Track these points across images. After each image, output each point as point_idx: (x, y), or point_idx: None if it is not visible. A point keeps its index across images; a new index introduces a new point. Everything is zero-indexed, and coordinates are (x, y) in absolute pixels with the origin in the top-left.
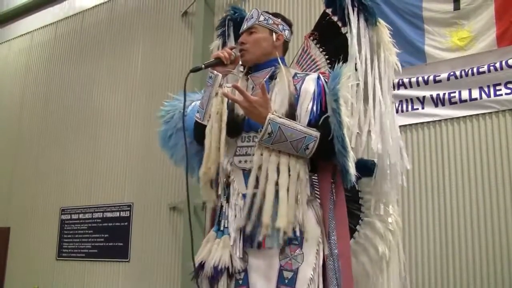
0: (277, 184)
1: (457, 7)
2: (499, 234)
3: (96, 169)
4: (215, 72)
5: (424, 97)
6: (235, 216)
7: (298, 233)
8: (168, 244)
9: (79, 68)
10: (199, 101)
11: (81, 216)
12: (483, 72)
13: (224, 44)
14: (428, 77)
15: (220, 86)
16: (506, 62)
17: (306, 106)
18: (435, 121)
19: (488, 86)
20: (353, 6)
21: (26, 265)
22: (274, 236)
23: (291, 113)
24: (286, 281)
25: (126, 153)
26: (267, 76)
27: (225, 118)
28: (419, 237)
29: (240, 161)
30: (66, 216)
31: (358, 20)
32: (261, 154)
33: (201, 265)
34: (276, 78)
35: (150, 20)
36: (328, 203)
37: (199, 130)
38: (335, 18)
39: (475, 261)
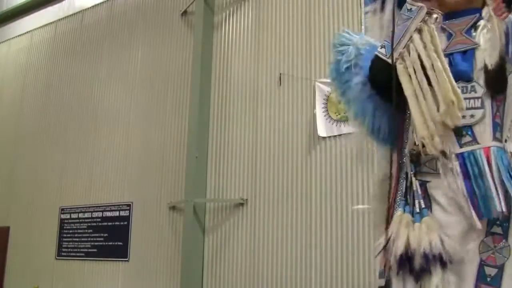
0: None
1: None
2: None
3: (95, 168)
4: (419, 4)
5: None
6: (450, 182)
7: (502, 218)
8: (168, 243)
9: (78, 67)
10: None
11: (80, 215)
12: None
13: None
14: None
15: (424, 21)
16: None
17: None
18: None
19: None
20: None
21: (25, 264)
22: (490, 205)
23: (502, 67)
24: (489, 279)
25: (126, 152)
26: (470, 24)
27: (442, 53)
28: None
29: None
30: (66, 215)
31: None
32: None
33: (406, 256)
34: (485, 27)
35: (150, 19)
36: None
37: (380, 69)
38: None
39: None
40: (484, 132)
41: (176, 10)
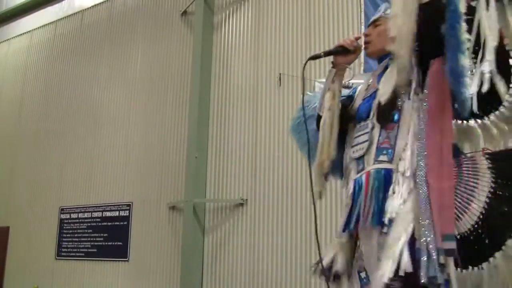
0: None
1: None
2: None
3: (95, 168)
4: (332, 66)
5: None
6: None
7: (387, 222)
8: (168, 243)
9: (78, 67)
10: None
11: (80, 215)
12: None
13: None
14: None
15: (333, 81)
16: None
17: None
18: None
19: None
20: None
21: (25, 264)
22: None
23: (392, 100)
24: (365, 280)
25: (126, 152)
26: (383, 68)
27: (337, 113)
28: None
29: (354, 152)
30: (65, 215)
31: None
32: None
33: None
34: (388, 65)
35: (150, 19)
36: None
37: (318, 121)
38: None
39: None
40: (370, 159)
41: (176, 10)
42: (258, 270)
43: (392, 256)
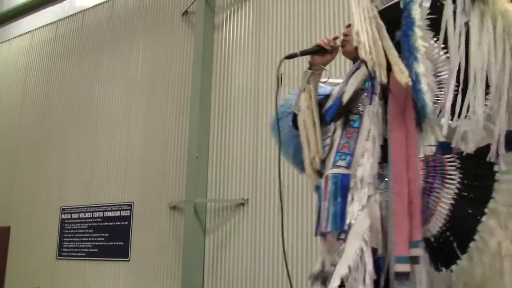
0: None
1: None
2: None
3: (96, 168)
4: (308, 67)
5: None
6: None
7: (346, 228)
8: (169, 243)
9: (79, 67)
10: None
11: (81, 215)
12: None
13: None
14: None
15: (308, 82)
16: None
17: None
18: None
19: None
20: None
21: (26, 264)
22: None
23: (352, 100)
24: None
25: (126, 152)
26: (353, 71)
27: (316, 111)
28: None
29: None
30: (67, 215)
31: None
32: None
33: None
34: (360, 67)
35: (151, 19)
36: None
37: (294, 118)
38: None
39: None
40: (329, 163)
41: (177, 10)
42: (259, 270)
43: (347, 262)
